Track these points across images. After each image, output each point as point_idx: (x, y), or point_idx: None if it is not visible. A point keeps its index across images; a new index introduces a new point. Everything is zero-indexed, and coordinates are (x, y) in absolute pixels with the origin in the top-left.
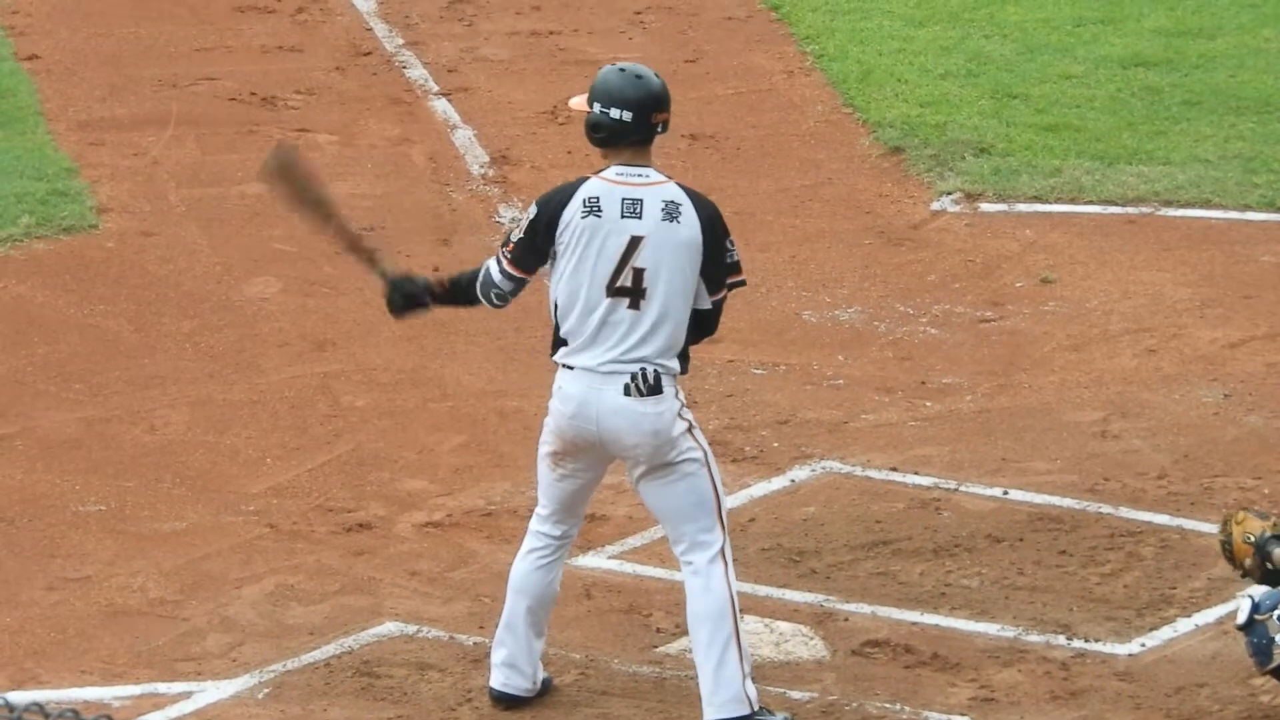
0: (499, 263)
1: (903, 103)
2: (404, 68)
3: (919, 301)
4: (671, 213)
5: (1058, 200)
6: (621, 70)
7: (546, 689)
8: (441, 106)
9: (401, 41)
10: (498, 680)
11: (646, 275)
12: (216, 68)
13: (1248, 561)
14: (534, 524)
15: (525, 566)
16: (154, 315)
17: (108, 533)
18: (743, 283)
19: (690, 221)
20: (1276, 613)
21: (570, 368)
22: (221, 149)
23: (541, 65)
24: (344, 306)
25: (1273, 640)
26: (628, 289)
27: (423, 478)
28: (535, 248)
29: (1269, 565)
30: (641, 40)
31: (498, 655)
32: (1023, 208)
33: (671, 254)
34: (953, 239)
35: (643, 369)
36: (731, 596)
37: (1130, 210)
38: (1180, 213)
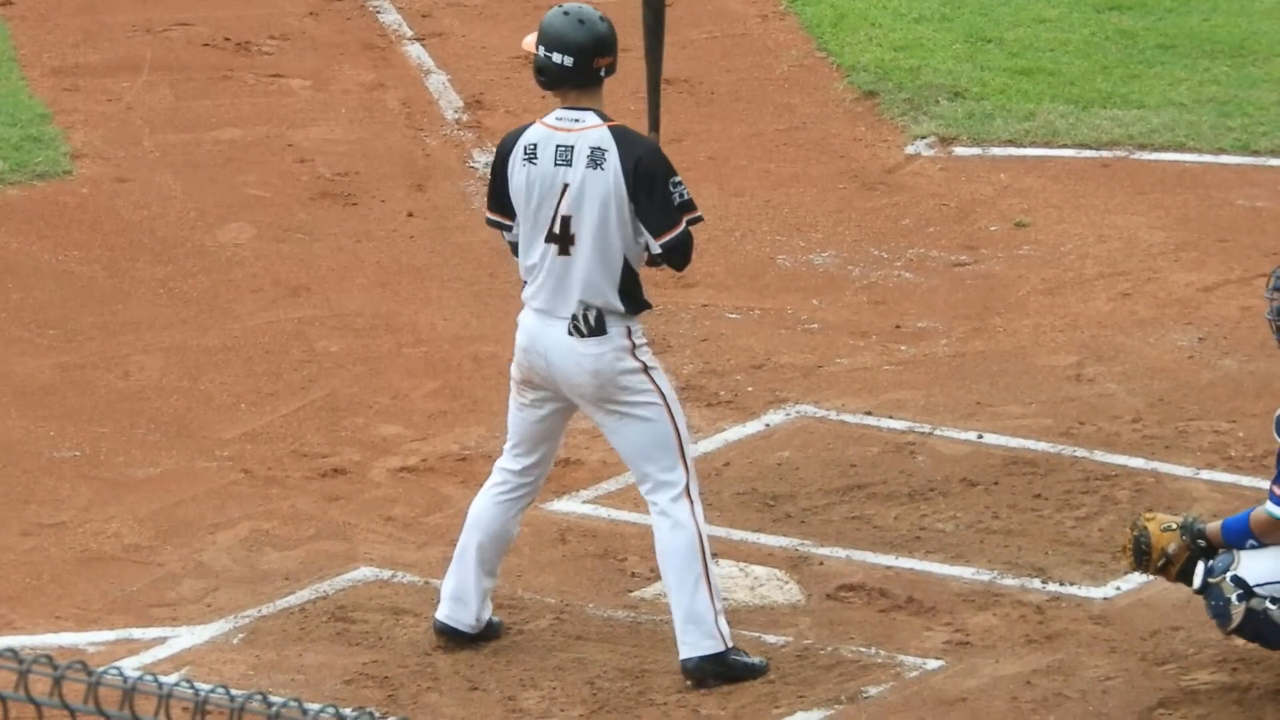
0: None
1: (877, 47)
2: (378, 13)
3: (893, 245)
4: (596, 160)
5: (1032, 144)
6: (565, 13)
7: (495, 632)
8: (415, 51)
9: None
10: (442, 612)
11: (573, 222)
12: (191, 13)
13: (1171, 547)
14: (499, 460)
15: (483, 500)
16: (128, 261)
17: (82, 479)
18: (699, 219)
19: (613, 167)
20: (1229, 574)
21: (528, 306)
22: (195, 95)
23: (515, 9)
24: (318, 252)
25: (1229, 601)
26: (558, 236)
27: (397, 423)
28: (498, 193)
29: (1201, 543)
30: None
31: (446, 586)
32: (997, 151)
33: (594, 200)
34: (927, 183)
35: (585, 310)
36: (699, 533)
37: (1105, 154)
38: (1155, 156)
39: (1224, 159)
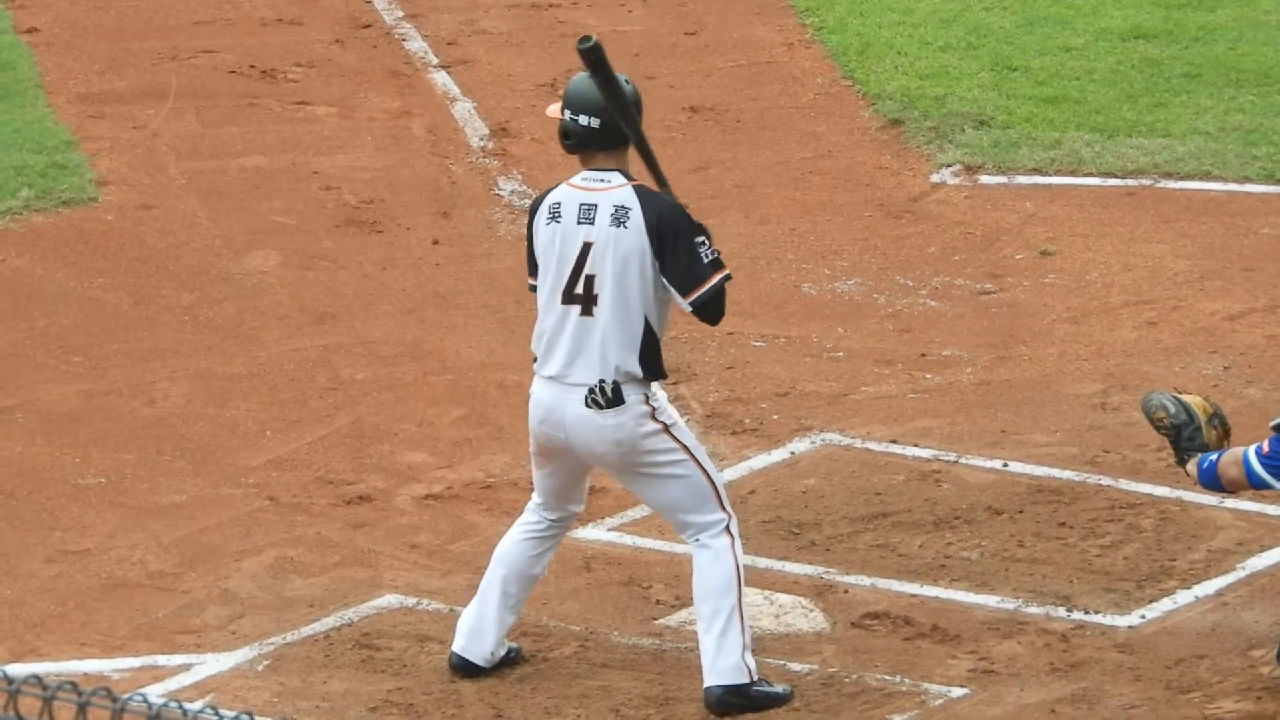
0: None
1: (902, 75)
2: (403, 40)
3: (919, 274)
4: (619, 218)
5: (1057, 172)
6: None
7: (514, 659)
8: (441, 79)
9: (401, 14)
10: (458, 644)
11: (596, 281)
12: (216, 40)
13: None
14: (531, 502)
15: (512, 536)
16: (153, 288)
17: (107, 505)
18: (728, 278)
19: (636, 226)
20: None
21: (541, 374)
22: (221, 122)
23: (541, 37)
24: (343, 279)
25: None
26: (580, 296)
27: (422, 450)
28: (531, 256)
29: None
30: (641, 13)
31: (465, 620)
32: (1022, 180)
33: (617, 259)
34: (952, 211)
35: (601, 382)
36: (737, 570)
37: (1130, 182)
38: (1180, 185)
39: (1249, 187)
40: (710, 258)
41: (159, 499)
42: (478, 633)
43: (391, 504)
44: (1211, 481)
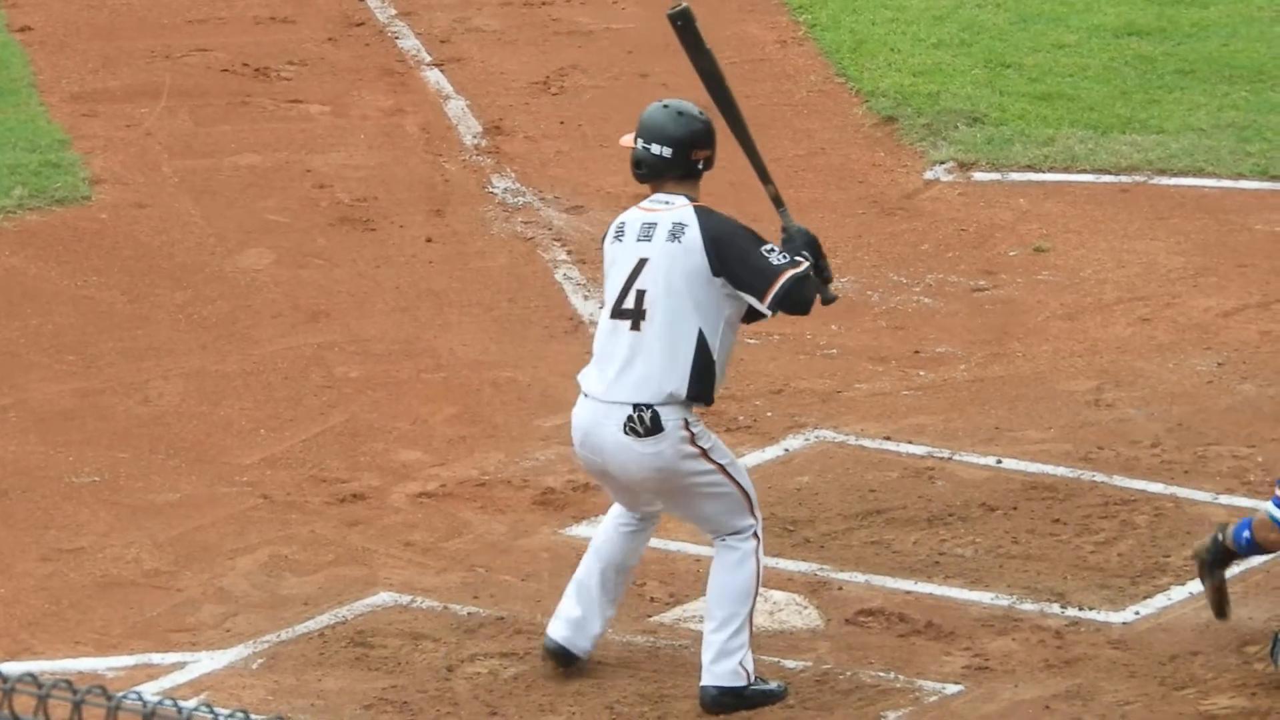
0: None
1: (895, 72)
2: (396, 38)
3: (912, 271)
4: (675, 234)
5: (1051, 169)
6: (665, 106)
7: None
8: (434, 77)
9: (394, 12)
10: (560, 633)
11: (647, 297)
12: (209, 39)
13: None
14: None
15: (607, 532)
16: (147, 287)
17: (101, 504)
18: (805, 273)
19: (692, 243)
20: None
21: (583, 391)
22: (215, 120)
23: (534, 35)
24: (337, 277)
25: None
26: (629, 311)
27: (416, 448)
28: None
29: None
30: (634, 10)
31: (571, 609)
32: (1016, 177)
33: (669, 274)
34: (946, 208)
35: (639, 410)
36: (758, 576)
37: (1124, 179)
38: (1174, 181)
39: (1243, 184)
40: (781, 260)
41: (153, 497)
42: (582, 625)
43: (385, 502)
44: (1254, 551)
